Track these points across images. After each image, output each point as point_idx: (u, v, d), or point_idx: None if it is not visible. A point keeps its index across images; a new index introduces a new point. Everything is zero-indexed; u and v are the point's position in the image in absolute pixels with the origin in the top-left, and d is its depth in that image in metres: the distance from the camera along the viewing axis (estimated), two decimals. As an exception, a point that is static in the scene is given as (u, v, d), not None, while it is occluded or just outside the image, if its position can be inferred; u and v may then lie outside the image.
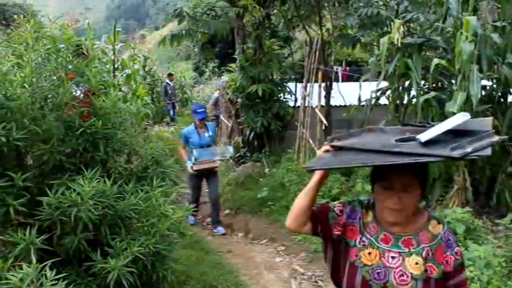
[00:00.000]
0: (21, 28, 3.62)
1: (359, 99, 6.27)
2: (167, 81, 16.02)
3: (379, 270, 1.68)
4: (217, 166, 6.51)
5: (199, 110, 6.46)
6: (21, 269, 2.61)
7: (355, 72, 11.30)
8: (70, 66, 3.48)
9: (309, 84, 7.08)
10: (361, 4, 6.60)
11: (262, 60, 7.86)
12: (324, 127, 6.28)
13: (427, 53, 6.26)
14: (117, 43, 10.53)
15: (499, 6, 5.61)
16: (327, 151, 1.72)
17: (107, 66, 9.63)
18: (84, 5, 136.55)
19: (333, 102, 7.69)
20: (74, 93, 4.08)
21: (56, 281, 2.76)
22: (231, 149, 6.97)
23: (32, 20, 3.35)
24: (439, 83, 5.79)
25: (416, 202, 1.69)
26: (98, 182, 3.25)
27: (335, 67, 9.52)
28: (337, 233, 1.80)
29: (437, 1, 5.72)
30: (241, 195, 7.17)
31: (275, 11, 8.79)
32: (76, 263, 3.30)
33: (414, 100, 5.73)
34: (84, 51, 5.82)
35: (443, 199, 5.50)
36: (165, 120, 15.55)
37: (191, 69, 25.43)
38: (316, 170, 1.77)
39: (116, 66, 9.24)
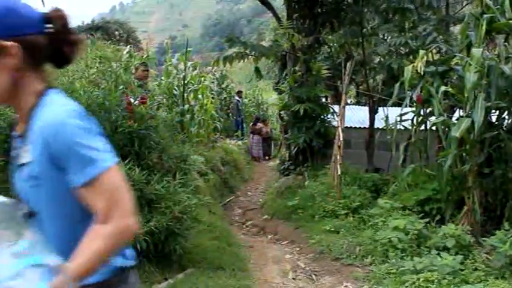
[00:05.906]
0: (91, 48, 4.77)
1: (386, 122, 6.76)
2: (236, 98, 17.30)
3: None
4: None
5: None
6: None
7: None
8: (119, 81, 4.53)
9: (338, 106, 7.69)
10: (395, 34, 7.12)
11: (310, 82, 8.59)
12: (338, 146, 6.85)
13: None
14: (188, 61, 11.81)
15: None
16: None
17: (175, 82, 10.96)
18: (183, 22, 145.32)
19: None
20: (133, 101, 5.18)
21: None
22: None
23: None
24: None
25: None
26: (130, 169, 4.24)
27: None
28: None
29: (462, 34, 6.10)
30: (278, 202, 7.89)
31: (330, 36, 9.51)
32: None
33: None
34: (147, 69, 6.99)
35: (455, 218, 5.80)
36: (236, 134, 16.68)
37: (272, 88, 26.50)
38: None
39: (185, 82, 10.48)
